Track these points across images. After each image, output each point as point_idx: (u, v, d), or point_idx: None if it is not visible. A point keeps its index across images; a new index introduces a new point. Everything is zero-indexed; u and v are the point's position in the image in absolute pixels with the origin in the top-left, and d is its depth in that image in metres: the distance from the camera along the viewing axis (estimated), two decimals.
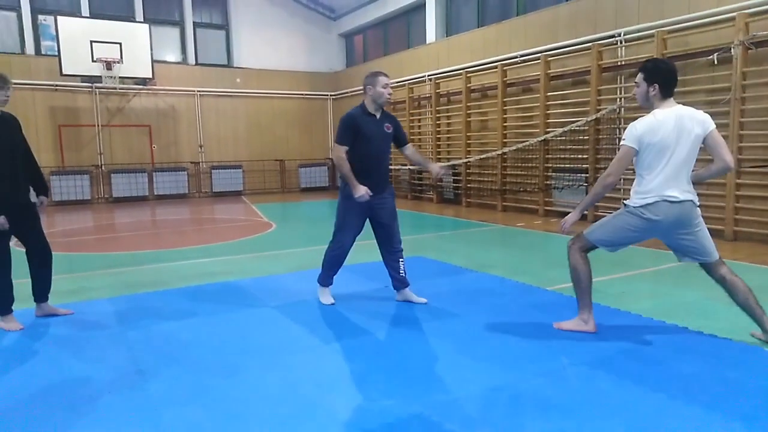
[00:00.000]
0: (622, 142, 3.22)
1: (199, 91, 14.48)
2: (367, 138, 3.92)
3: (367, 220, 4.11)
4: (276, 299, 4.38)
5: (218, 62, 15.10)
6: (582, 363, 3.00)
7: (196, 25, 14.68)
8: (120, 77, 12.47)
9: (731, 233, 6.58)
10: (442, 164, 3.96)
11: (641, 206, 3.17)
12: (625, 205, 3.30)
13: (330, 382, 2.88)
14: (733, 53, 6.47)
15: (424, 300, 4.22)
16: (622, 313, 3.85)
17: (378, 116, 4.00)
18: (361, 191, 3.86)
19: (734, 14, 6.49)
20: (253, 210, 11.40)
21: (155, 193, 13.85)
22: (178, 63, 14.55)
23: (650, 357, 3.06)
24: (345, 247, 4.13)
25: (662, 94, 3.16)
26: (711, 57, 6.69)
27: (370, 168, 3.96)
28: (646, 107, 3.26)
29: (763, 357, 3.03)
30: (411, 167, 12.49)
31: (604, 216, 3.50)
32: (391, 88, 4.01)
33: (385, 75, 3.98)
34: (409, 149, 4.23)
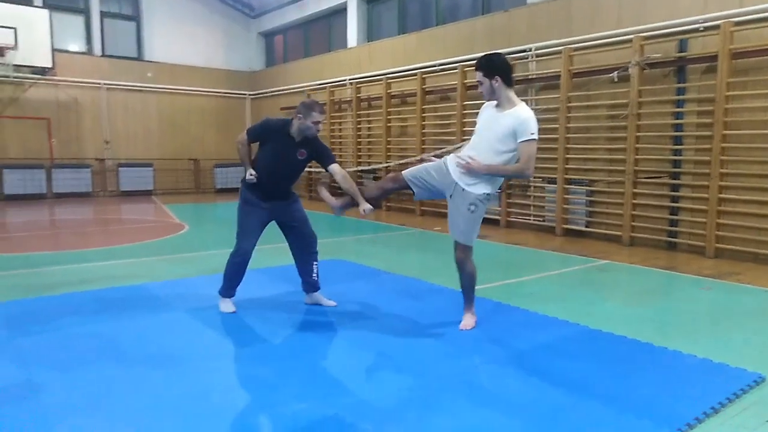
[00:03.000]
0: (532, 138, 3.27)
1: (105, 83, 13.62)
2: (274, 155, 3.79)
3: (278, 227, 4.01)
4: (185, 304, 4.19)
5: (128, 55, 14.29)
6: (493, 362, 3.11)
7: (103, 14, 13.81)
8: (14, 65, 11.46)
9: (628, 239, 7.09)
10: (370, 208, 3.68)
11: (490, 193, 3.43)
12: (490, 197, 3.44)
13: (242, 386, 2.79)
14: (630, 72, 7.00)
15: (333, 303, 4.19)
16: (531, 313, 4.03)
17: (297, 140, 3.80)
18: (250, 174, 3.75)
19: (631, 36, 7.02)
20: (164, 210, 10.87)
21: (54, 191, 12.84)
22: (83, 53, 13.63)
23: (554, 355, 3.22)
24: (247, 254, 3.92)
25: (506, 83, 3.35)
26: (612, 75, 7.19)
27: (266, 182, 3.82)
28: (494, 100, 3.44)
29: (653, 353, 3.27)
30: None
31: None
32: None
33: (322, 111, 3.74)
34: (338, 172, 3.81)
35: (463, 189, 3.40)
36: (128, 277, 5.04)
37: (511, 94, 3.38)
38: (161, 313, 3.98)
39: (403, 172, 3.62)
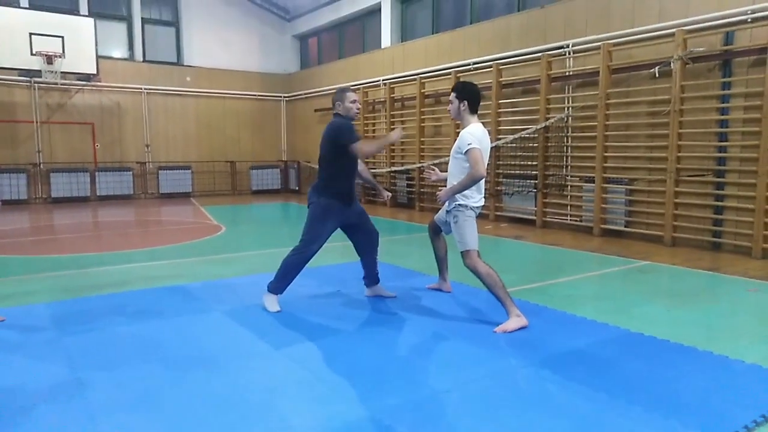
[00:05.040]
0: (471, 147, 3.66)
1: (146, 88, 14.02)
2: (349, 152, 3.94)
3: (342, 230, 4.20)
4: (225, 304, 4.27)
5: (167, 60, 14.68)
6: (530, 365, 3.06)
7: (144, 21, 14.23)
8: (62, 72, 11.93)
9: (670, 239, 6.88)
10: (390, 194, 4.41)
11: (478, 206, 3.86)
12: (465, 206, 3.81)
13: (279, 387, 2.83)
14: (672, 67, 6.79)
15: (393, 294, 4.44)
16: (569, 315, 3.95)
17: None
18: (396, 133, 3.93)
19: (674, 30, 6.81)
20: (202, 212, 11.12)
21: (98, 194, 13.29)
22: (125, 59, 14.06)
23: (594, 358, 3.16)
24: (310, 256, 4.06)
25: (471, 110, 3.83)
26: (653, 70, 6.99)
27: (350, 177, 4.05)
28: (458, 120, 3.92)
29: (698, 357, 3.17)
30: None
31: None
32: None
33: (353, 91, 4.07)
34: (360, 164, 4.25)
35: (446, 210, 4.03)
36: (169, 278, 5.17)
37: (472, 119, 3.83)
38: (201, 313, 4.07)
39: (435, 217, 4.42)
